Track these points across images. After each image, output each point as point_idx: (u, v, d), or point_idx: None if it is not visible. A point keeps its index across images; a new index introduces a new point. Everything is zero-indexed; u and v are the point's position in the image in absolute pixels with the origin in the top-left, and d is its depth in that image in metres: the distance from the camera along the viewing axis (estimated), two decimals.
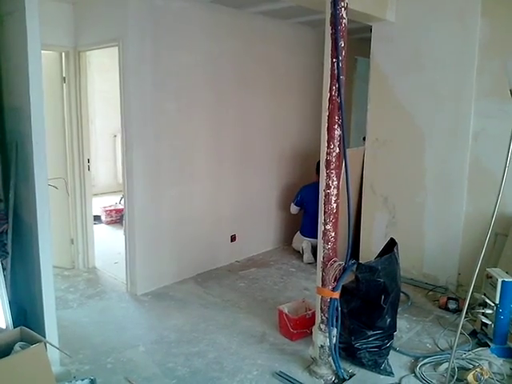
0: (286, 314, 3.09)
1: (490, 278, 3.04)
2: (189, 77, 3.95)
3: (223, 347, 3.00)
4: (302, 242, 4.72)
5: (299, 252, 4.79)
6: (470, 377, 2.60)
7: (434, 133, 4.00)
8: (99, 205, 6.13)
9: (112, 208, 6.12)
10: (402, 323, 3.32)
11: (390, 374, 2.70)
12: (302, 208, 4.81)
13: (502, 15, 3.57)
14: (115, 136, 7.57)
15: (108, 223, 6.01)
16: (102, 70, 6.93)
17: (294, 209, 4.88)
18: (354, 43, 5.60)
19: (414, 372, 2.72)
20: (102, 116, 7.40)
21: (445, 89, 3.90)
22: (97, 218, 5.78)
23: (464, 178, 3.85)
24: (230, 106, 4.36)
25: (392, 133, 4.27)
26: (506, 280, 2.94)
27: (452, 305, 3.54)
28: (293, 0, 3.59)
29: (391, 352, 2.83)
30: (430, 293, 3.88)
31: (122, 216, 5.63)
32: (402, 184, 4.23)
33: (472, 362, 2.80)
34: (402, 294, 3.74)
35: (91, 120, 6.97)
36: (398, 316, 3.23)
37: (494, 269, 3.12)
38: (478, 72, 3.72)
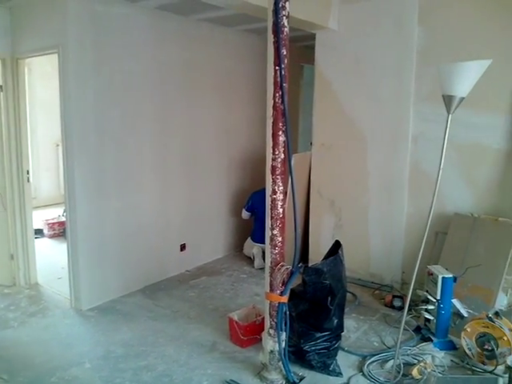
0: (235, 322, 3.08)
1: (431, 275, 3.18)
2: (134, 84, 3.87)
3: (172, 359, 2.94)
4: (252, 248, 4.74)
5: (250, 258, 4.79)
6: (414, 371, 2.70)
7: (375, 137, 4.14)
8: (41, 218, 5.87)
9: (55, 221, 5.86)
10: (349, 323, 3.40)
11: (339, 374, 2.75)
12: (253, 214, 4.83)
13: (437, 24, 3.76)
14: (58, 145, 7.29)
15: (51, 237, 5.75)
16: (44, 78, 6.69)
17: (245, 214, 4.90)
18: (299, 51, 5.74)
19: (362, 371, 2.79)
20: (44, 125, 7.12)
21: (385, 94, 4.05)
22: (39, 232, 5.54)
23: (404, 180, 4.01)
24: (178, 113, 4.31)
25: (337, 137, 4.39)
26: (445, 276, 3.08)
27: (397, 302, 3.66)
28: (236, 8, 3.61)
29: (340, 352, 2.89)
30: (377, 292, 4.01)
31: (65, 229, 5.41)
32: (348, 187, 4.35)
33: (416, 357, 2.90)
34: (349, 294, 3.86)
35: (33, 129, 6.72)
36: (345, 316, 3.31)
37: (434, 266, 3.27)
38: (416, 78, 3.89)
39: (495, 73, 3.41)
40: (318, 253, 4.36)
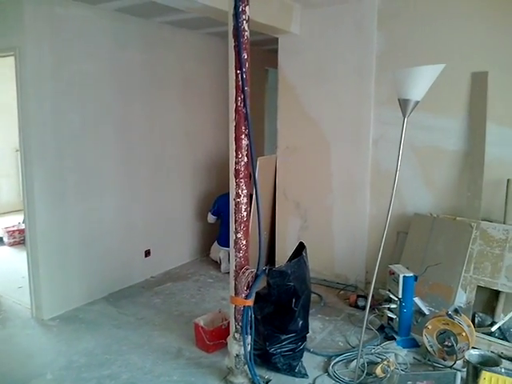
0: (201, 327, 3.06)
1: (393, 274, 3.25)
2: (95, 87, 3.80)
3: (137, 367, 2.89)
4: (219, 252, 4.72)
5: (217, 262, 4.77)
6: (378, 370, 2.75)
7: (338, 139, 4.21)
8: (1, 225, 5.67)
9: (15, 228, 5.66)
10: (315, 324, 3.44)
11: (305, 375, 2.77)
12: (219, 217, 4.81)
13: (396, 29, 3.87)
14: (17, 151, 7.05)
15: (11, 245, 5.55)
16: (2, 81, 6.46)
17: (210, 218, 4.86)
18: (264, 54, 5.77)
19: (328, 371, 2.82)
20: (3, 129, 6.88)
21: (347, 98, 4.13)
22: None
23: (366, 182, 4.09)
24: (141, 116, 4.26)
25: (301, 140, 4.44)
26: (406, 275, 3.16)
27: (361, 302, 3.73)
28: (197, 11, 3.60)
29: (305, 354, 2.91)
30: (341, 292, 4.07)
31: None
32: (312, 189, 4.40)
33: (380, 356, 2.96)
34: (315, 295, 3.91)
35: None
36: (311, 317, 3.34)
37: (395, 265, 3.34)
38: (376, 82, 3.99)
39: (452, 77, 3.55)
40: (284, 255, 4.38)
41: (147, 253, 4.44)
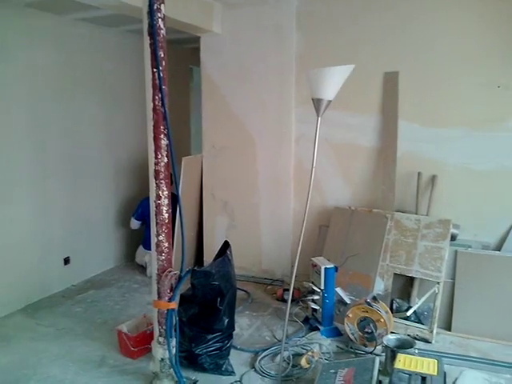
0: (124, 333, 2.97)
1: (315, 266, 3.37)
2: (4, 89, 3.55)
3: (57, 379, 2.75)
4: (144, 256, 4.58)
5: (143, 266, 4.64)
6: (302, 361, 2.83)
7: (263, 138, 4.28)
8: None
9: None
10: (242, 321, 3.47)
11: (232, 373, 2.78)
12: (144, 222, 4.66)
13: (314, 30, 3.99)
14: None
15: None
16: None
17: (134, 223, 4.70)
18: (188, 52, 5.71)
19: (254, 367, 2.86)
20: None
21: (270, 98, 4.20)
22: None
23: (290, 178, 4.20)
24: (56, 117, 4.03)
25: (227, 140, 4.45)
26: (327, 267, 3.28)
27: (288, 295, 3.79)
28: (112, 7, 3.48)
29: (232, 351, 2.92)
30: (269, 287, 4.14)
31: None
32: (239, 188, 4.43)
33: (305, 347, 3.05)
34: (243, 293, 3.95)
35: None
36: (239, 314, 3.39)
37: (318, 258, 3.46)
38: (296, 82, 4.10)
39: (366, 76, 3.75)
40: (212, 255, 4.27)
41: (66, 260, 4.21)
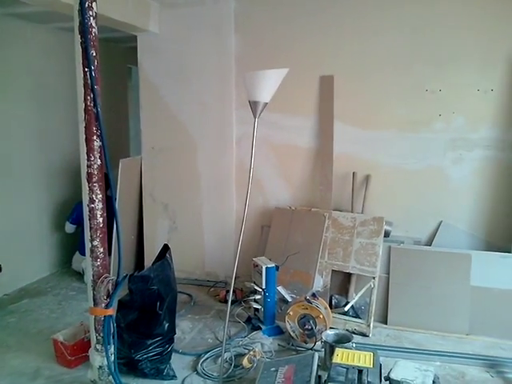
0: (61, 342, 2.86)
1: (257, 266, 3.40)
2: None
3: None
4: (81, 262, 4.40)
5: (80, 273, 4.45)
6: (244, 361, 2.85)
7: (204, 139, 4.26)
8: None
9: None
10: (185, 324, 3.44)
11: (173, 377, 2.75)
12: (80, 226, 4.49)
13: (252, 32, 4.04)
14: None
15: None
16: None
17: (69, 228, 4.51)
18: (125, 52, 5.57)
19: (196, 370, 2.84)
20: None
21: (210, 99, 4.19)
22: None
23: (232, 179, 4.22)
24: None
25: (167, 141, 4.38)
26: (268, 266, 3.32)
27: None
28: (42, 4, 3.34)
29: (174, 355, 2.89)
30: (212, 289, 4.12)
31: None
32: (181, 189, 4.38)
33: (247, 347, 3.07)
34: (185, 296, 3.91)
35: None
36: (181, 318, 3.36)
37: (259, 258, 3.50)
38: (236, 84, 4.11)
39: (304, 79, 3.84)
40: (153, 258, 4.28)
41: None
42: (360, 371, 2.34)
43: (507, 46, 3.43)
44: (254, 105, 2.54)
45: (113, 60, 5.39)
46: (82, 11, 2.42)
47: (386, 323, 3.47)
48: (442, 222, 3.72)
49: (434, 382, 2.45)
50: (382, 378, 2.43)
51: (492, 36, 3.46)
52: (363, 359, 2.45)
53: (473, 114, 3.58)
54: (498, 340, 3.23)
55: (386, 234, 3.59)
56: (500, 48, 3.46)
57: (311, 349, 3.07)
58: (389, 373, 2.48)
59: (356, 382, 2.27)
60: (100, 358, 2.51)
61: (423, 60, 3.62)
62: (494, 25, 3.45)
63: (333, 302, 3.64)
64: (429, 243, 3.74)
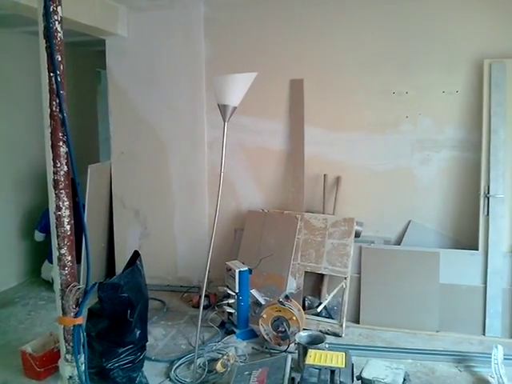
0: (29, 354, 2.78)
1: (230, 270, 3.39)
2: None
3: None
4: (51, 271, 4.30)
5: (49, 282, 4.34)
6: (218, 366, 2.84)
7: (175, 144, 4.23)
8: None
9: None
10: (158, 331, 3.40)
11: None
12: (49, 233, 4.38)
13: (222, 37, 4.04)
14: None
15: None
16: None
17: (38, 236, 4.40)
18: (94, 56, 5.48)
19: (169, 376, 2.81)
20: None
21: (181, 103, 4.17)
22: None
23: (204, 183, 4.20)
24: None
25: (137, 146, 4.34)
26: (241, 269, 3.32)
27: (204, 302, 3.79)
28: (6, 7, 3.26)
29: (147, 362, 2.84)
30: (185, 295, 4.09)
31: None
32: (152, 195, 4.34)
33: (221, 352, 3.05)
34: (158, 302, 3.87)
35: None
36: (153, 325, 3.32)
37: (232, 261, 3.49)
38: (207, 88, 4.11)
39: (275, 83, 3.87)
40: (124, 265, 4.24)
41: None
42: (332, 371, 2.36)
43: (471, 48, 3.52)
44: (223, 108, 2.55)
45: (81, 64, 5.30)
46: (47, 15, 2.37)
47: (359, 323, 3.52)
48: (410, 221, 3.79)
49: (404, 379, 2.50)
50: (354, 378, 2.46)
51: (456, 38, 3.54)
52: (335, 359, 2.47)
53: (439, 116, 3.67)
54: (467, 335, 3.31)
55: (357, 235, 3.64)
56: (464, 50, 3.54)
57: (285, 351, 3.08)
58: (361, 372, 2.52)
59: (328, 382, 2.29)
60: (70, 367, 2.44)
61: (390, 63, 3.69)
62: (458, 27, 3.53)
63: (306, 304, 3.67)
64: (398, 242, 3.81)
